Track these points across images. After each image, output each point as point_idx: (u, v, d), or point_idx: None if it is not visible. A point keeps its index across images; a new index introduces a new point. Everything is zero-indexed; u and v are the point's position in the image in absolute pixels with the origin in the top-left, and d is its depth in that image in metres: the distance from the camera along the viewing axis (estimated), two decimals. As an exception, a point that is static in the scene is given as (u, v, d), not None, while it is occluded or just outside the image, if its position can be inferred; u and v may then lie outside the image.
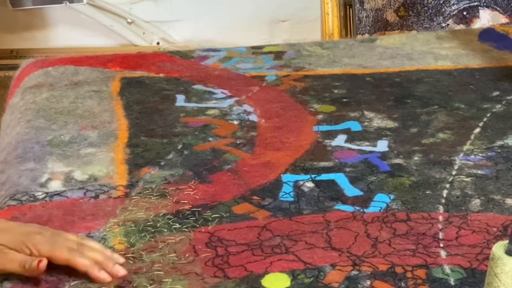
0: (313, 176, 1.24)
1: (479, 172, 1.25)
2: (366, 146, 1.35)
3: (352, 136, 1.39)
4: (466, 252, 1.02)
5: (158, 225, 1.09)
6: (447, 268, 0.98)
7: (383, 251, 1.02)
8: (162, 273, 0.97)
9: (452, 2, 2.62)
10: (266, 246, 1.04)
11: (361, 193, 1.18)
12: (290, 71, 1.73)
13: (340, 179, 1.23)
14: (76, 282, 0.95)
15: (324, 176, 1.24)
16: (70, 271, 0.96)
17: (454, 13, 2.63)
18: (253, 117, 1.48)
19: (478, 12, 2.63)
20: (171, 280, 0.96)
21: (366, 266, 0.99)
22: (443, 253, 1.02)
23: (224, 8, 3.05)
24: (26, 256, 0.95)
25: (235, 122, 1.46)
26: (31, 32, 2.98)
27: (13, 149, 1.34)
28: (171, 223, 1.09)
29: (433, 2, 2.62)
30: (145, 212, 1.12)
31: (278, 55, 1.85)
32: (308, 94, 1.60)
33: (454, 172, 1.25)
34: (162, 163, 1.28)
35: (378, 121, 1.46)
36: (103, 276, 0.96)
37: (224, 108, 1.52)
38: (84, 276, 0.95)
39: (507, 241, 0.79)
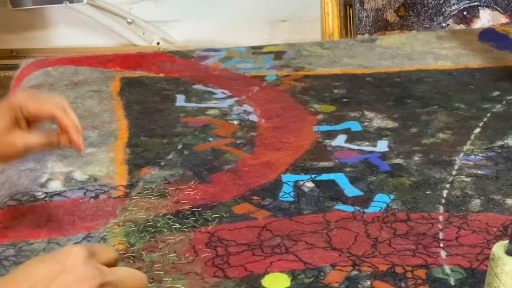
0: (313, 176, 1.24)
1: (479, 172, 1.25)
2: (366, 146, 1.35)
3: (352, 136, 1.39)
4: (466, 252, 1.02)
5: (158, 225, 1.09)
6: (447, 268, 0.98)
7: (383, 251, 1.02)
8: (162, 272, 0.97)
9: (452, 2, 2.63)
10: (266, 246, 1.04)
11: (361, 193, 1.18)
12: (290, 71, 1.74)
13: (340, 179, 1.23)
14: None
15: (324, 176, 1.24)
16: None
17: (454, 13, 2.63)
18: (253, 117, 1.48)
19: (478, 12, 2.63)
20: (171, 279, 0.96)
21: (366, 266, 0.99)
22: (443, 253, 1.02)
23: (224, 8, 3.05)
24: (44, 135, 0.98)
25: (235, 122, 1.46)
26: (31, 32, 2.98)
27: (13, 149, 1.33)
28: (171, 223, 1.09)
29: (433, 2, 2.62)
30: (145, 212, 1.12)
31: (278, 55, 1.85)
32: (308, 94, 1.60)
33: (454, 172, 1.25)
34: (162, 163, 1.28)
35: (378, 121, 1.46)
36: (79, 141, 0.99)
37: (224, 108, 1.52)
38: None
39: (507, 241, 0.79)
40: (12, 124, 0.98)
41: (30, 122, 1.00)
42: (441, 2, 2.62)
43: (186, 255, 1.01)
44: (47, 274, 0.71)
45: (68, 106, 1.01)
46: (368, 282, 0.96)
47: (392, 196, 1.17)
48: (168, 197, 1.17)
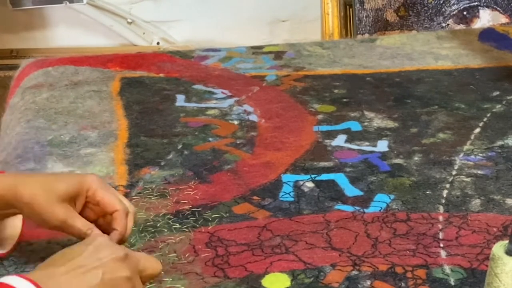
0: (313, 176, 1.24)
1: (479, 172, 1.25)
2: (366, 146, 1.35)
3: (352, 136, 1.39)
4: (466, 252, 1.02)
5: (158, 225, 1.09)
6: (447, 268, 0.98)
7: (383, 251, 1.02)
8: (162, 272, 0.97)
9: (452, 2, 2.62)
10: (266, 246, 1.04)
11: (361, 193, 1.18)
12: (290, 71, 1.73)
13: (340, 179, 1.23)
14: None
15: (324, 176, 1.24)
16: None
17: (454, 13, 2.63)
18: (253, 117, 1.48)
19: (478, 12, 2.63)
20: (171, 279, 0.96)
21: (366, 266, 0.99)
22: (443, 253, 1.02)
23: (224, 8, 3.04)
24: (87, 225, 0.94)
25: (235, 122, 1.46)
26: (31, 32, 2.98)
27: (13, 149, 1.34)
28: (171, 223, 1.09)
29: (433, 2, 2.62)
30: (145, 212, 1.12)
31: (278, 55, 1.85)
32: (308, 94, 1.60)
33: (454, 172, 1.25)
34: (162, 163, 1.28)
35: (378, 121, 1.46)
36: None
37: (224, 108, 1.52)
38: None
39: (507, 241, 0.79)
40: (69, 197, 0.94)
41: (85, 207, 0.97)
42: (441, 2, 2.62)
43: (186, 255, 1.01)
44: (84, 262, 0.83)
45: (133, 214, 0.98)
46: (368, 282, 0.96)
47: (392, 196, 1.17)
48: (168, 197, 1.17)
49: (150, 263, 0.89)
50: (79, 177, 0.97)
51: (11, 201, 0.93)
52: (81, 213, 0.96)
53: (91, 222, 0.96)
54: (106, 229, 0.96)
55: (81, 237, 0.94)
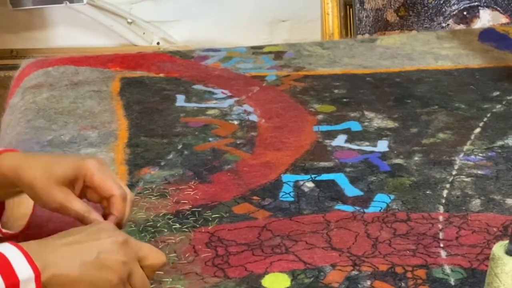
0: (313, 176, 1.24)
1: (479, 172, 1.25)
2: (366, 146, 1.35)
3: (352, 136, 1.39)
4: (466, 252, 1.02)
5: (158, 225, 1.09)
6: (447, 268, 0.98)
7: (383, 251, 1.02)
8: (162, 272, 0.97)
9: (452, 2, 2.62)
10: (266, 246, 1.04)
11: (361, 193, 1.18)
12: (290, 71, 1.73)
13: (340, 179, 1.23)
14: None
15: (324, 176, 1.24)
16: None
17: (454, 13, 2.63)
18: (253, 117, 1.48)
19: (478, 12, 2.63)
20: (171, 279, 0.96)
21: (366, 266, 0.99)
22: (443, 253, 1.02)
23: (224, 8, 3.04)
24: (85, 208, 0.95)
25: (235, 122, 1.46)
26: (31, 32, 2.98)
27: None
28: (171, 223, 1.09)
29: (433, 2, 2.62)
30: (145, 212, 1.12)
31: (278, 55, 1.85)
32: (308, 94, 1.60)
33: (454, 172, 1.25)
34: (162, 163, 1.28)
35: (378, 121, 1.46)
36: None
37: (224, 108, 1.52)
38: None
39: (507, 241, 0.79)
40: (67, 180, 0.95)
41: (84, 190, 0.98)
42: (441, 2, 2.62)
43: (186, 255, 1.01)
44: (82, 239, 0.87)
45: (131, 201, 0.98)
46: (368, 282, 0.96)
47: (392, 196, 1.17)
48: (168, 197, 1.17)
49: (152, 253, 0.90)
50: (78, 161, 0.97)
51: (14, 182, 0.95)
52: (85, 195, 0.98)
53: (96, 203, 0.98)
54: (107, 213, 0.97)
55: (79, 219, 0.95)
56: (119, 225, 0.95)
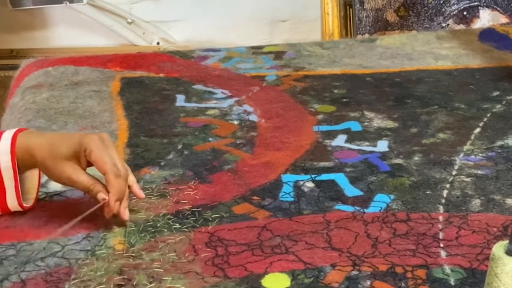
0: (313, 176, 1.24)
1: (479, 172, 1.25)
2: (366, 146, 1.35)
3: (352, 136, 1.39)
4: (466, 252, 1.02)
5: (158, 225, 1.09)
6: (447, 268, 0.98)
7: (383, 251, 1.02)
8: (162, 270, 0.97)
9: (452, 2, 2.63)
10: (266, 246, 1.04)
11: (361, 193, 1.18)
12: (290, 71, 1.74)
13: (340, 179, 1.23)
14: (76, 281, 0.95)
15: (324, 176, 1.24)
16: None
17: (454, 13, 2.63)
18: (253, 117, 1.48)
19: (478, 12, 2.63)
20: (171, 278, 0.96)
21: (366, 266, 0.99)
22: (443, 253, 1.02)
23: (224, 8, 3.05)
24: (91, 181, 1.04)
25: (235, 122, 1.46)
26: (31, 32, 2.98)
27: (13, 149, 1.33)
28: (171, 223, 1.09)
29: (433, 2, 2.62)
30: (145, 212, 1.12)
31: (278, 55, 1.85)
32: (308, 94, 1.60)
33: (454, 172, 1.25)
34: (162, 163, 1.28)
35: (378, 121, 1.46)
36: (116, 208, 1.04)
37: (224, 108, 1.52)
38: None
39: (507, 241, 0.79)
40: (72, 156, 1.04)
41: (90, 164, 1.06)
42: (441, 2, 2.62)
43: (186, 255, 1.01)
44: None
45: (125, 178, 1.06)
46: (368, 282, 0.96)
47: (392, 196, 1.17)
48: (168, 197, 1.17)
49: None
50: (79, 138, 1.05)
51: (28, 160, 1.06)
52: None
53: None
54: None
55: (86, 191, 1.05)
56: (117, 200, 1.04)
